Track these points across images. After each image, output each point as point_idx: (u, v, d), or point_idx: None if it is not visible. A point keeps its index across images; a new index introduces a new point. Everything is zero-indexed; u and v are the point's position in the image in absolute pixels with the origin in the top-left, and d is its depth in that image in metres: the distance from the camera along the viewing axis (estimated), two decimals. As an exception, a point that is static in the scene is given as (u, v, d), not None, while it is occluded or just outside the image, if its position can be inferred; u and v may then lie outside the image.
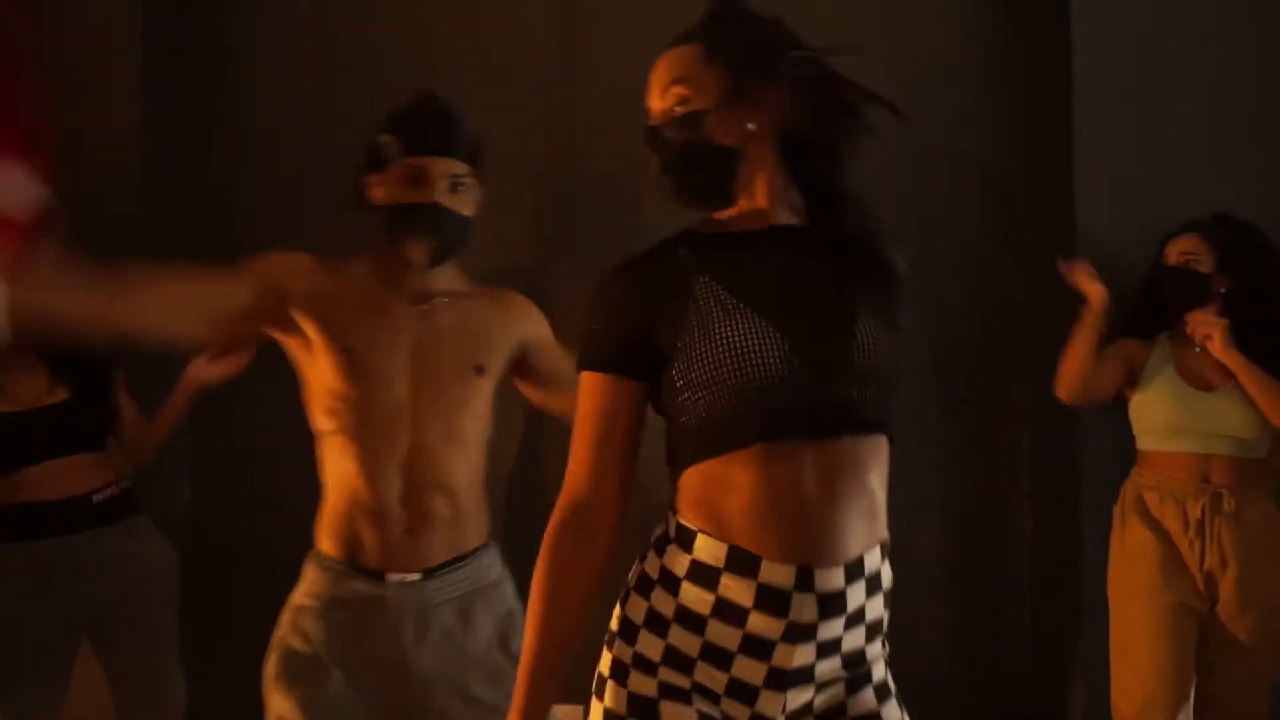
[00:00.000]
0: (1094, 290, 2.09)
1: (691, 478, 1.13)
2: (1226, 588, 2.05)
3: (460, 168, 1.63)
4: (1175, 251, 2.13)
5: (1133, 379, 2.17)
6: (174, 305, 1.48)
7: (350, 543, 1.61)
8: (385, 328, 1.62)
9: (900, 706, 1.15)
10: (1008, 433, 2.65)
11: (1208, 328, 2.08)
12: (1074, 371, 2.13)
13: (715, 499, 1.10)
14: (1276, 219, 2.19)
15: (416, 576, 1.60)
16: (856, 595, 1.09)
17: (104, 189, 2.27)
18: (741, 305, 1.11)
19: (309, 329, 1.62)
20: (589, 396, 1.16)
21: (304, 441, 1.73)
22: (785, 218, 1.18)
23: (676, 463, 1.16)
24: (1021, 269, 2.66)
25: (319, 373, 1.63)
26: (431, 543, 1.61)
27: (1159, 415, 2.12)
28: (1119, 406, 2.23)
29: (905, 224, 2.41)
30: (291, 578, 1.70)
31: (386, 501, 1.59)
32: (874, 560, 1.11)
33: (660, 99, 1.18)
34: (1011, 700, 2.63)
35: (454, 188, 1.62)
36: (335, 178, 1.89)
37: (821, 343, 1.10)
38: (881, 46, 2.44)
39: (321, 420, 1.64)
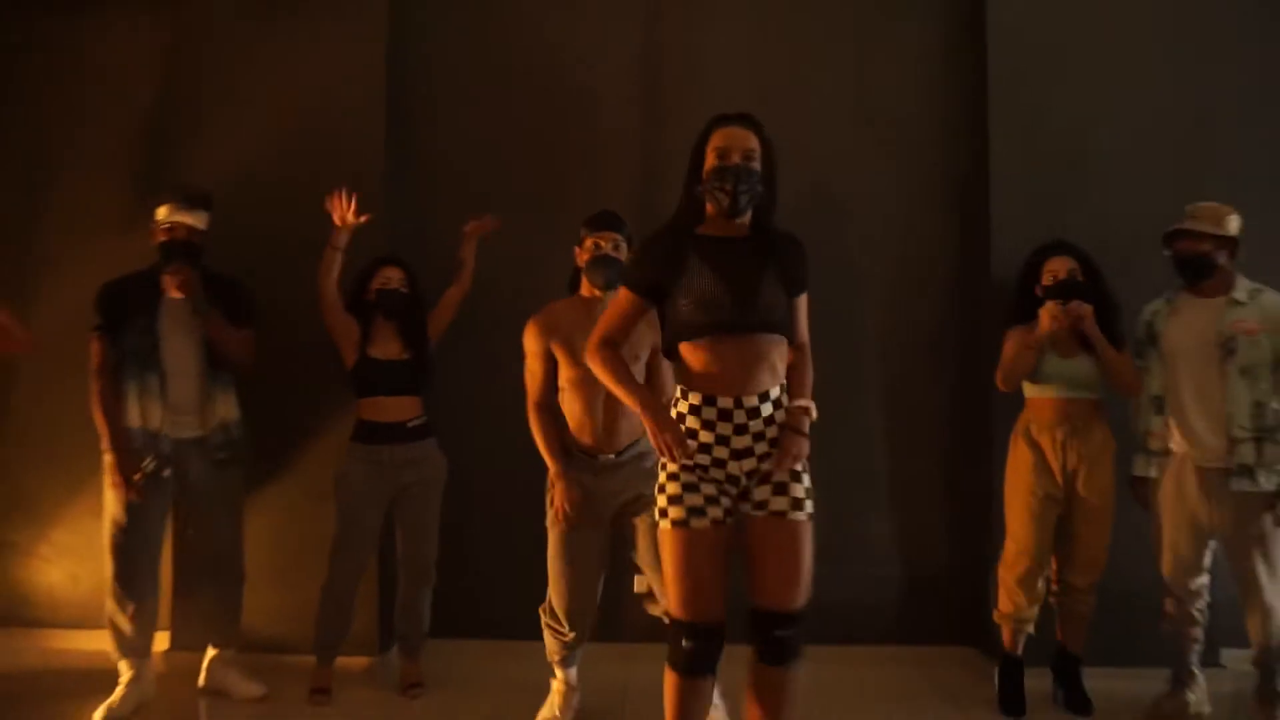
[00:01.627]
0: (1050, 324, 3.07)
1: (678, 361, 2.28)
2: (1079, 483, 3.11)
3: (619, 237, 2.88)
4: (1058, 266, 3.14)
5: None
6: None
7: (580, 441, 2.89)
8: (585, 329, 2.77)
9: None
10: (945, 391, 3.76)
11: (1082, 310, 3.09)
12: (1019, 374, 3.17)
13: (691, 370, 2.25)
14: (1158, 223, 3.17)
15: (611, 456, 2.88)
16: (766, 408, 2.22)
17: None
18: (708, 270, 2.22)
19: (555, 348, 2.89)
20: (620, 301, 2.35)
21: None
22: (741, 231, 2.31)
23: (671, 352, 2.31)
24: (952, 264, 3.78)
25: (561, 363, 2.89)
26: (618, 439, 2.88)
27: (1043, 372, 3.16)
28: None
29: (869, 221, 3.63)
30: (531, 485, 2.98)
31: (597, 422, 2.85)
32: (773, 391, 2.25)
33: (739, 154, 2.24)
34: (945, 573, 3.74)
35: (615, 246, 2.86)
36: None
37: (743, 290, 2.22)
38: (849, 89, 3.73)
39: (562, 384, 2.89)
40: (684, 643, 2.21)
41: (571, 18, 3.96)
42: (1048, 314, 3.06)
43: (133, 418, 3.10)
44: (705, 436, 2.23)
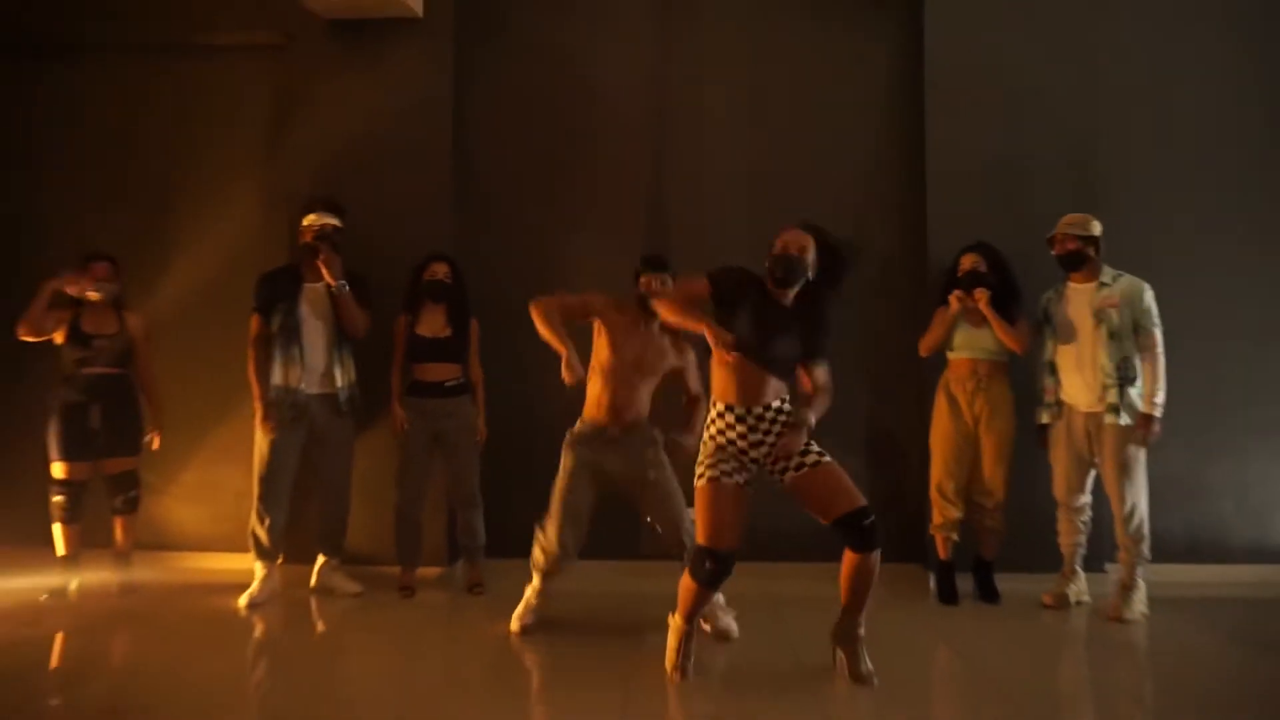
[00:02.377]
0: (955, 305, 4.08)
1: (712, 375, 3.15)
2: (983, 427, 4.06)
3: (666, 277, 3.67)
4: (969, 261, 4.09)
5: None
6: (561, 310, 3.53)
7: (595, 414, 3.68)
8: (629, 334, 3.63)
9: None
10: (894, 359, 4.68)
11: (982, 294, 4.04)
12: (934, 344, 4.16)
13: (719, 383, 3.14)
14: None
15: (617, 431, 3.64)
16: (769, 413, 3.10)
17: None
18: (755, 314, 3.06)
19: (600, 329, 3.66)
20: (696, 284, 3.11)
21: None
22: (785, 299, 3.12)
23: (709, 367, 3.17)
24: (898, 261, 4.74)
25: (598, 346, 3.67)
26: (623, 418, 3.66)
27: (959, 338, 4.11)
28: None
29: (834, 225, 4.55)
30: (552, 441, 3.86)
31: (613, 402, 3.64)
32: (776, 402, 3.12)
33: (793, 247, 3.09)
34: (892, 502, 4.64)
35: (663, 283, 3.65)
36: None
37: (771, 335, 3.06)
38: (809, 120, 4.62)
39: (592, 366, 3.67)
40: (707, 564, 3.03)
41: (594, 57, 4.97)
42: (954, 299, 4.05)
43: (278, 378, 4.11)
44: (729, 435, 3.11)
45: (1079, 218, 3.99)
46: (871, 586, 3.08)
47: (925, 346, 4.21)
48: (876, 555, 3.04)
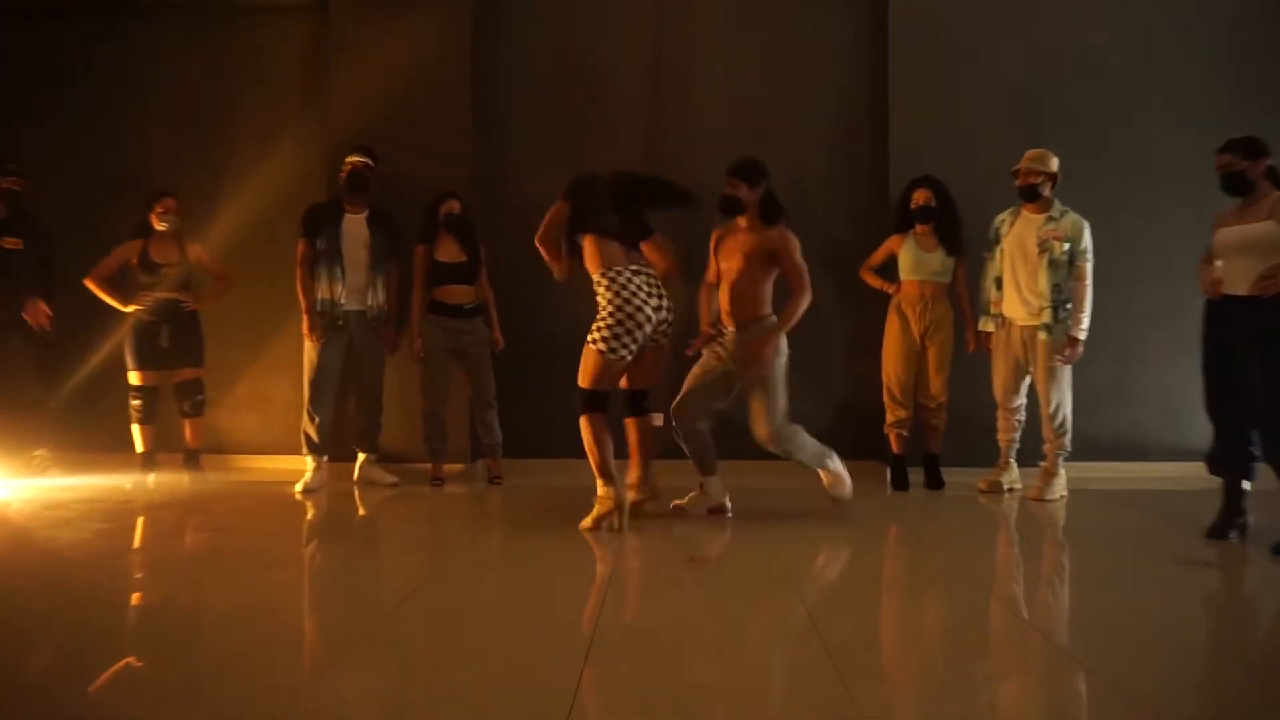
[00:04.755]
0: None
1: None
2: (929, 340, 4.72)
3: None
4: (920, 196, 4.71)
5: (895, 250, 4.80)
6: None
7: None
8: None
9: None
10: (856, 280, 5.25)
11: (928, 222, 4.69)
12: (870, 266, 4.83)
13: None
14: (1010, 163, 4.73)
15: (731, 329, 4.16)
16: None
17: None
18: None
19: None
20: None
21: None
22: None
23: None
24: (862, 193, 5.34)
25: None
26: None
27: (907, 264, 4.75)
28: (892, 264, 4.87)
29: (811, 164, 5.23)
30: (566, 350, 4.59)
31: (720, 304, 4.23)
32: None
33: (732, 187, 3.91)
34: (853, 408, 5.29)
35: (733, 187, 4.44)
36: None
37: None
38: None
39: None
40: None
41: (597, 19, 5.55)
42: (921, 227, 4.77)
43: (323, 293, 4.78)
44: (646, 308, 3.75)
45: (1041, 153, 4.51)
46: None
47: (863, 270, 4.94)
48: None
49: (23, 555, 3.66)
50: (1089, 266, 4.47)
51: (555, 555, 3.55)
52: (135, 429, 5.01)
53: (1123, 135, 5.24)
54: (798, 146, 5.42)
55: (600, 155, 5.46)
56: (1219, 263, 3.65)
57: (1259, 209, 3.60)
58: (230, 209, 5.55)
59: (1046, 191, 4.54)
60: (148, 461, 5.04)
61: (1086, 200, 4.69)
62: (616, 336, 3.68)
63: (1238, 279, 3.59)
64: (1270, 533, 3.51)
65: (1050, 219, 4.53)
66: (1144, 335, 5.18)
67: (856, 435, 5.24)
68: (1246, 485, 3.69)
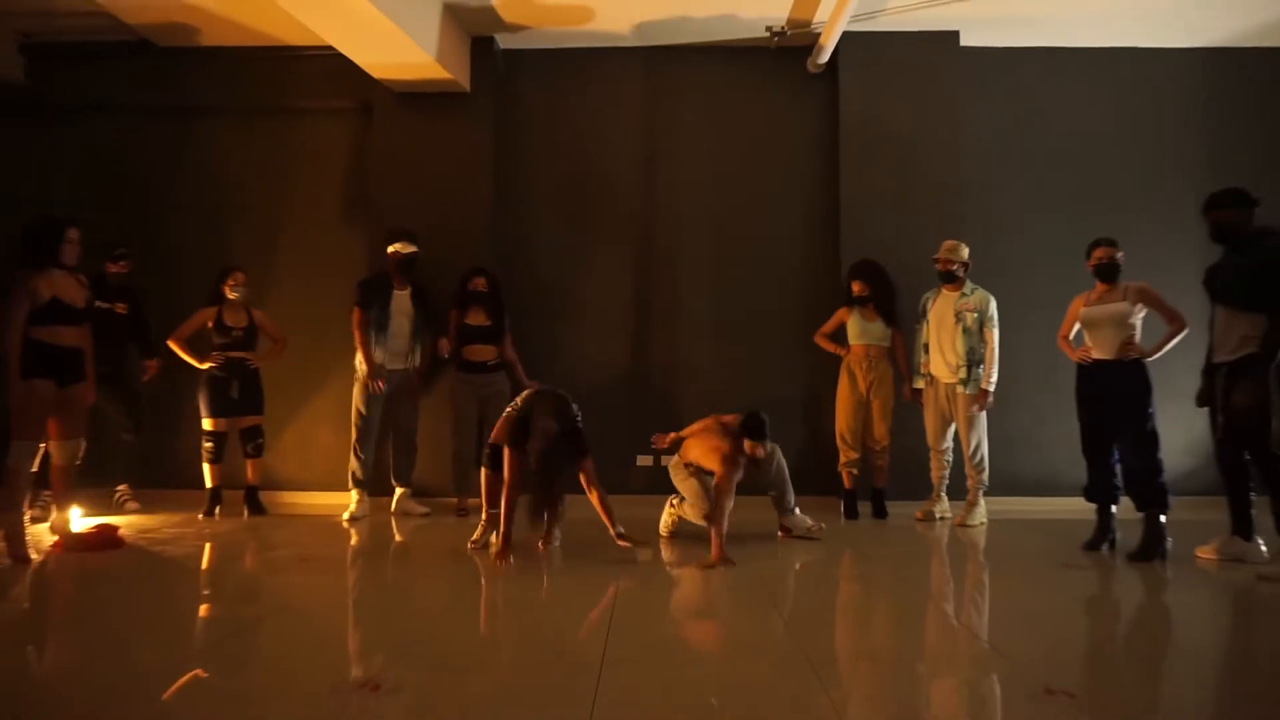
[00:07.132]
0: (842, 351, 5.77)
1: None
2: (872, 394, 5.73)
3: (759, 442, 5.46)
4: (856, 287, 5.74)
5: (844, 319, 5.82)
6: None
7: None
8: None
9: None
10: (820, 349, 6.27)
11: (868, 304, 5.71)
12: (822, 334, 5.81)
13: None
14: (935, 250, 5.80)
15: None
16: None
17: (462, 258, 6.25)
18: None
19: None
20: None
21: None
22: None
23: None
24: (818, 275, 6.36)
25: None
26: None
27: (854, 331, 5.77)
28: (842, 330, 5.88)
29: (771, 245, 6.28)
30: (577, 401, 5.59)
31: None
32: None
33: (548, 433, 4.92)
34: (813, 452, 6.26)
35: (756, 452, 5.46)
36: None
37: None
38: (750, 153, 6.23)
39: None
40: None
41: (601, 130, 6.62)
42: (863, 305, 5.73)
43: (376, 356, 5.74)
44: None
45: (954, 244, 5.58)
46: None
47: (817, 335, 5.94)
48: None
49: (144, 563, 4.53)
50: (995, 332, 5.51)
51: (566, 575, 4.46)
52: (206, 467, 5.89)
53: (1035, 219, 6.38)
54: (769, 226, 6.48)
55: (599, 235, 6.55)
56: (1086, 336, 4.71)
57: (1116, 292, 4.67)
58: (285, 281, 6.52)
59: (960, 274, 5.59)
60: (214, 496, 5.92)
61: (998, 274, 5.77)
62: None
63: (1104, 346, 4.63)
64: (1130, 544, 4.52)
65: (963, 294, 5.58)
66: (1057, 390, 6.19)
67: (818, 472, 6.22)
68: (1114, 509, 4.70)
